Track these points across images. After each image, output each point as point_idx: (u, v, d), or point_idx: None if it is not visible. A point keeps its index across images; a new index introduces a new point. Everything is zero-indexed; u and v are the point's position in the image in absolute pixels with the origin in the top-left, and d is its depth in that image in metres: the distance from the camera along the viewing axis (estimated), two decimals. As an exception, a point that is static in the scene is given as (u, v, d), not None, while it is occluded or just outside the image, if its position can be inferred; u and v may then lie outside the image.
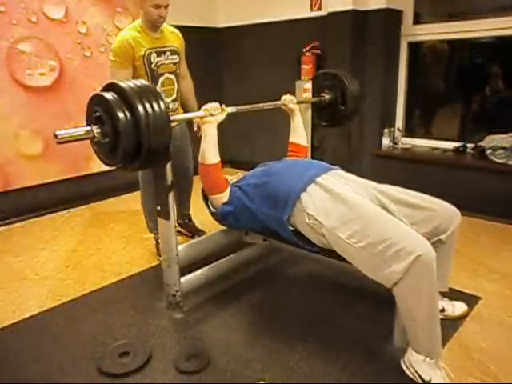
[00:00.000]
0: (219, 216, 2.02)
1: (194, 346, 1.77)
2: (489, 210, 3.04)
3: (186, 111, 2.58)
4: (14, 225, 3.24)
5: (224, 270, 2.21)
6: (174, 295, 1.96)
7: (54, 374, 1.64)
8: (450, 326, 1.84)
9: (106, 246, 2.82)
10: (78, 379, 1.60)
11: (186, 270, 2.05)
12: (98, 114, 1.47)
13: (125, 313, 2.02)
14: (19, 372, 1.66)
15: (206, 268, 2.14)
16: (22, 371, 1.66)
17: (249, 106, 2.14)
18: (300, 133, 2.34)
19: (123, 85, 1.47)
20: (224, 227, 2.20)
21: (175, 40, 2.42)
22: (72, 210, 3.52)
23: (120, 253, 2.72)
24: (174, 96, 2.43)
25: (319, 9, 3.67)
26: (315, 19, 3.69)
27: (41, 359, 1.72)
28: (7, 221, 3.24)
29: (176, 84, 2.43)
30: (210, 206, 2.08)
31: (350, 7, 3.29)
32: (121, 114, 1.42)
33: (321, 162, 2.00)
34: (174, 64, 2.38)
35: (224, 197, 1.93)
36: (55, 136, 1.40)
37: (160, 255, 2.51)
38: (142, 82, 1.56)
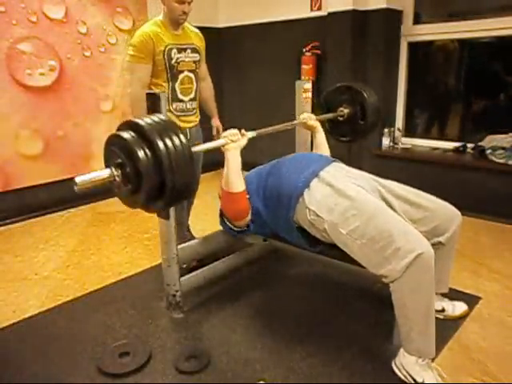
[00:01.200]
0: (238, 235, 1.99)
1: (194, 346, 1.77)
2: (489, 209, 3.04)
3: (206, 113, 2.53)
4: (14, 225, 3.24)
5: (224, 270, 2.21)
6: (174, 295, 1.96)
7: (54, 374, 1.64)
8: (450, 326, 1.84)
9: (106, 246, 2.82)
10: (78, 379, 1.60)
11: (185, 269, 2.05)
12: (117, 154, 1.37)
13: (125, 313, 2.02)
14: (19, 372, 1.66)
15: (206, 268, 2.14)
16: (22, 371, 1.66)
17: (269, 129, 2.02)
18: (324, 150, 2.23)
19: (141, 122, 1.36)
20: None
21: (196, 39, 2.37)
22: (72, 209, 3.53)
23: (120, 253, 2.72)
24: (193, 95, 2.35)
25: (319, 9, 3.67)
26: (315, 19, 3.69)
27: (41, 359, 1.72)
28: (7, 221, 3.24)
29: (195, 83, 2.35)
30: (229, 224, 1.96)
31: (350, 7, 3.30)
32: (141, 154, 1.30)
33: (321, 155, 1.99)
34: (194, 62, 2.32)
35: (245, 221, 1.88)
36: (75, 183, 1.31)
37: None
38: (161, 116, 1.44)
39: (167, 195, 1.35)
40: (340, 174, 1.78)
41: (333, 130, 2.47)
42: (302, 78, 3.71)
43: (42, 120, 3.34)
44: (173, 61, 2.19)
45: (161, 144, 1.30)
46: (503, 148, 3.03)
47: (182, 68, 2.25)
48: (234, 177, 1.78)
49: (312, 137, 2.27)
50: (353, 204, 1.59)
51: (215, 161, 4.65)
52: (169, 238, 1.88)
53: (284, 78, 3.89)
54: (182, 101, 2.29)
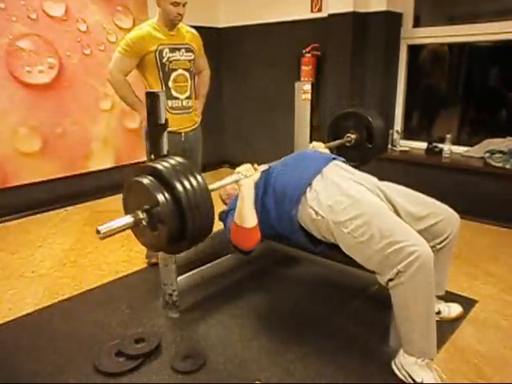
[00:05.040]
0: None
1: (190, 346, 1.77)
2: (486, 213, 3.05)
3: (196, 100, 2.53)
4: (12, 222, 3.24)
5: (221, 270, 2.21)
6: (171, 294, 1.96)
7: (50, 372, 1.63)
8: (447, 328, 1.84)
9: (103, 245, 2.81)
10: (74, 378, 1.60)
11: (182, 269, 2.05)
12: (137, 200, 1.38)
13: (121, 312, 2.02)
14: (15, 370, 1.66)
15: (203, 268, 2.14)
16: (18, 369, 1.66)
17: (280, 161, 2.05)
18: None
19: (159, 166, 1.35)
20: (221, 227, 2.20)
21: (191, 39, 2.42)
22: (70, 208, 3.52)
23: (117, 251, 2.72)
24: (188, 93, 2.39)
25: (319, 10, 3.67)
26: (315, 20, 3.70)
27: (36, 357, 1.72)
28: (4, 218, 3.24)
29: (190, 81, 2.39)
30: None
31: (350, 9, 3.30)
32: (161, 197, 1.30)
33: (323, 153, 2.00)
34: (189, 61, 2.38)
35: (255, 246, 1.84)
36: (98, 232, 1.32)
37: (147, 257, 2.51)
38: (177, 159, 1.42)
39: (189, 236, 1.35)
40: (342, 172, 1.79)
41: (341, 155, 2.48)
42: (302, 79, 3.71)
43: (41, 118, 3.33)
44: (164, 59, 2.27)
45: (179, 186, 1.30)
46: (501, 152, 3.04)
47: (175, 67, 2.31)
48: (249, 212, 1.74)
49: None
50: (355, 203, 1.60)
51: (219, 160, 4.68)
52: (166, 238, 1.88)
53: (284, 78, 3.90)
54: (177, 98, 2.34)
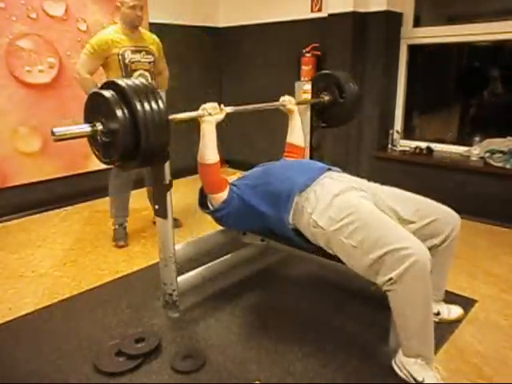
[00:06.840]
0: (218, 217, 1.99)
1: (190, 346, 1.77)
2: (486, 212, 3.05)
3: None
4: (11, 222, 3.24)
5: (221, 270, 2.21)
6: (171, 294, 1.96)
7: (50, 372, 1.63)
8: (446, 328, 1.84)
9: (103, 244, 2.81)
10: (74, 378, 1.60)
11: (183, 269, 2.05)
12: (96, 112, 1.47)
13: (121, 311, 2.02)
14: (14, 370, 1.66)
15: (203, 267, 2.14)
16: (18, 369, 1.66)
17: (248, 107, 2.13)
18: (297, 134, 2.32)
19: (122, 83, 1.47)
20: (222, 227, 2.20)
21: (151, 43, 2.73)
22: (69, 207, 3.52)
23: (117, 251, 2.72)
24: None
25: (319, 10, 3.67)
26: (315, 20, 3.69)
27: (36, 357, 1.71)
28: (4, 218, 3.24)
29: (150, 80, 2.62)
30: (209, 205, 2.03)
31: (350, 9, 3.30)
32: (119, 113, 1.42)
33: (319, 162, 2.01)
34: (149, 63, 2.70)
35: (223, 196, 1.90)
36: (52, 133, 1.38)
37: (115, 240, 2.76)
38: (142, 80, 1.55)
39: (141, 154, 1.47)
40: (337, 180, 1.80)
41: (317, 117, 2.60)
42: (302, 78, 3.71)
43: (41, 117, 3.33)
44: (126, 60, 2.58)
45: (138, 106, 1.43)
46: (501, 151, 3.04)
47: (137, 67, 2.62)
48: (209, 149, 1.84)
49: (289, 120, 2.35)
50: (350, 210, 1.59)
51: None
52: (166, 237, 1.88)
53: (284, 78, 3.88)
54: None
